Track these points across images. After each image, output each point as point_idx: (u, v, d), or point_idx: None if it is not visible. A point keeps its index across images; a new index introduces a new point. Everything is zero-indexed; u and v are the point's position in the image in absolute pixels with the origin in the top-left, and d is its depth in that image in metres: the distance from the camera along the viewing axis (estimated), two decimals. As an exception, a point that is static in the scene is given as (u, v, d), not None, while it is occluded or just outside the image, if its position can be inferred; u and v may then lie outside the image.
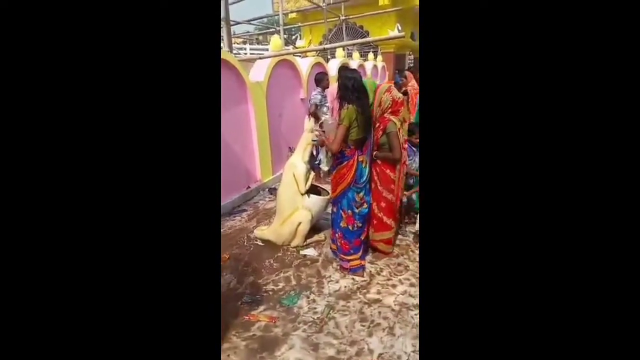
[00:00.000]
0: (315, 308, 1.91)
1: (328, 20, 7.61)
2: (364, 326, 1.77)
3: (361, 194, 2.20)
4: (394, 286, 2.09)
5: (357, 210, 2.21)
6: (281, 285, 2.14)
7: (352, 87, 2.08)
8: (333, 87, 4.00)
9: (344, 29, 7.53)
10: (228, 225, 2.98)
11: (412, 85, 3.92)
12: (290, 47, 7.19)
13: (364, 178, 2.19)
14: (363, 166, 2.17)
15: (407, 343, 1.64)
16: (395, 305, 1.91)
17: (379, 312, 1.86)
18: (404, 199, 2.62)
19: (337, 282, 2.15)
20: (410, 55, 10.97)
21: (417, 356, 1.56)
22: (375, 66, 7.73)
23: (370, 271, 2.25)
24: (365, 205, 2.24)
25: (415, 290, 2.03)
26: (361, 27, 9.70)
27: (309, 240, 2.60)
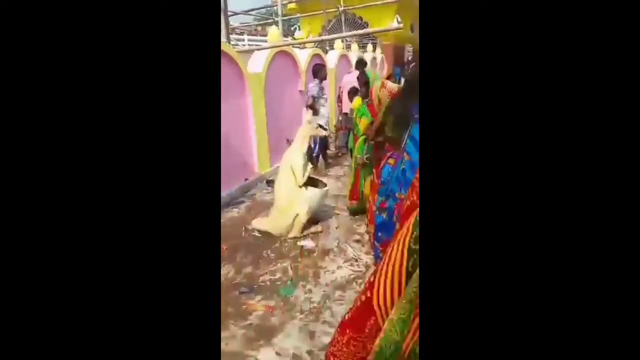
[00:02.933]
0: (311, 298, 1.95)
1: (327, 11, 7.54)
2: (359, 315, 1.80)
3: (382, 198, 1.96)
4: (389, 277, 2.12)
5: (375, 212, 2.01)
6: (278, 275, 2.17)
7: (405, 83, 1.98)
8: (350, 76, 3.98)
9: (343, 20, 7.47)
10: (226, 217, 3.00)
11: None
12: (289, 38, 7.13)
13: (387, 184, 1.93)
14: (390, 169, 1.95)
15: (401, 332, 1.68)
16: (390, 295, 1.95)
17: (374, 302, 1.89)
18: None
19: (333, 272, 2.18)
20: (409, 47, 10.90)
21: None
22: (374, 58, 7.68)
23: (367, 262, 2.28)
24: (384, 215, 1.93)
25: (410, 281, 2.06)
26: (360, 18, 9.60)
27: (306, 232, 2.63)
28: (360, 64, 4.10)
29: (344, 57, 6.03)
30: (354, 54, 6.53)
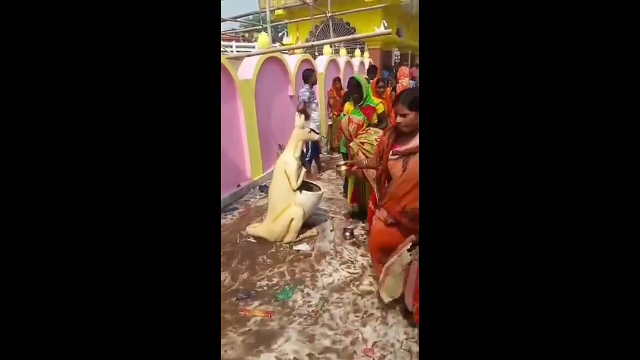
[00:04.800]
0: (309, 301, 1.95)
1: (315, 17, 7.60)
2: (357, 317, 1.81)
3: None
4: (386, 278, 2.14)
5: None
6: (275, 280, 2.16)
7: None
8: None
9: (330, 25, 7.53)
10: (220, 223, 2.98)
11: (402, 83, 3.98)
12: (277, 44, 7.16)
13: None
14: None
15: (400, 331, 1.69)
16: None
17: (372, 303, 1.91)
18: None
19: (330, 275, 2.19)
20: (396, 51, 11.05)
21: (410, 343, 1.62)
22: (362, 62, 7.76)
23: (363, 264, 2.30)
24: None
25: (407, 281, 2.08)
26: (347, 23, 9.72)
27: (301, 236, 2.63)
28: (371, 71, 4.19)
29: (332, 62, 6.09)
30: (342, 59, 6.59)
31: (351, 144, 2.47)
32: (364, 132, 2.42)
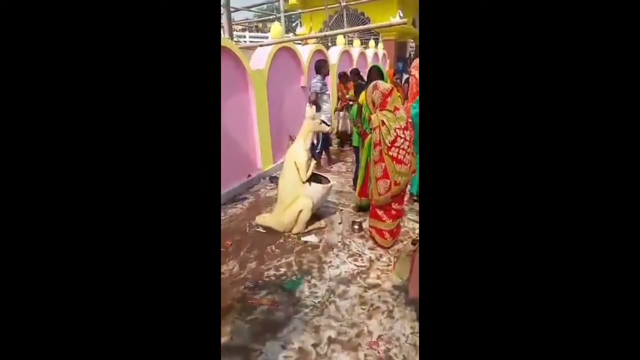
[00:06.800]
0: (316, 292, 1.96)
1: (329, 6, 7.50)
2: (363, 309, 1.82)
3: None
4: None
5: None
6: (283, 270, 2.18)
7: None
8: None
9: (344, 15, 7.43)
10: (230, 213, 3.01)
11: (415, 75, 3.91)
12: (291, 34, 7.11)
13: None
14: None
15: (406, 325, 1.69)
16: (394, 289, 1.96)
17: (379, 296, 1.91)
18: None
19: (337, 267, 2.20)
20: (411, 42, 10.84)
21: (416, 338, 1.61)
22: (376, 54, 7.65)
23: (370, 257, 2.29)
24: None
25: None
26: (362, 13, 9.55)
27: (310, 227, 2.64)
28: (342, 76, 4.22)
29: (346, 53, 6.01)
30: (356, 50, 6.50)
31: (372, 116, 2.26)
32: (393, 110, 2.23)
